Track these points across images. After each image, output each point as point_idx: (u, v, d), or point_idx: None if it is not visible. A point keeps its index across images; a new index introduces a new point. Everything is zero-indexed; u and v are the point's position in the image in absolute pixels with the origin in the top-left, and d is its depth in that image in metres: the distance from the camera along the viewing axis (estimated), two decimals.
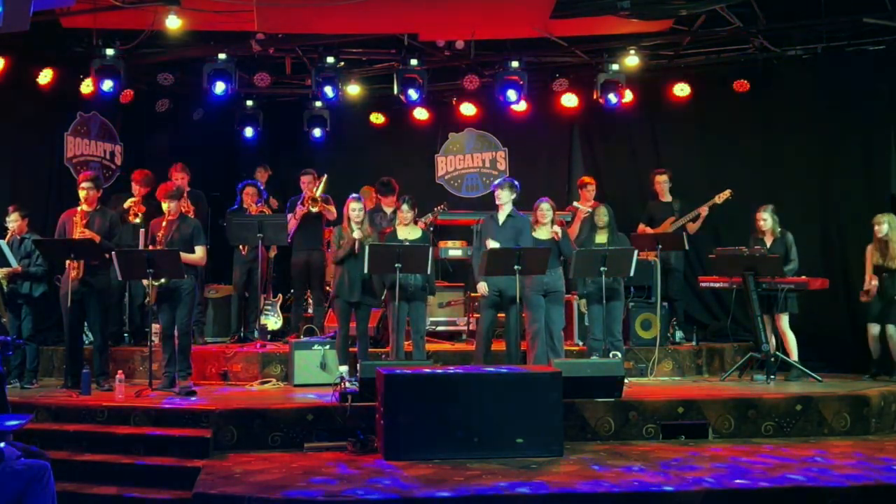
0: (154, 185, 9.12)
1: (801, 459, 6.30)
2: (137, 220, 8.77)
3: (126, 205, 8.90)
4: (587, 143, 11.58)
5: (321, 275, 9.64)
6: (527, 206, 8.43)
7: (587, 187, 10.12)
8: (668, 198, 10.04)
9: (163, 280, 7.63)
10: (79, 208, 7.93)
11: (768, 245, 8.66)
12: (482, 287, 7.98)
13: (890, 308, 8.44)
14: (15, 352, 7.74)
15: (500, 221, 8.10)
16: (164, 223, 7.86)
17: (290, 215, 9.44)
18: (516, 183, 8.21)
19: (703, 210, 9.69)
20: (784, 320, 8.49)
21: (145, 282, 7.70)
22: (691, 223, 9.81)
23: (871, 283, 8.46)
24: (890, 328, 8.49)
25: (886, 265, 8.45)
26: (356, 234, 7.93)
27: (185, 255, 7.68)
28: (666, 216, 9.93)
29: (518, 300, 7.72)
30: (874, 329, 8.57)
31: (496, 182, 8.41)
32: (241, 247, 9.48)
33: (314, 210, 9.45)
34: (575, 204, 10.07)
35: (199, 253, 7.91)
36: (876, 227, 8.53)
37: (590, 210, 9.41)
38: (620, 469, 5.99)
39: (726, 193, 9.57)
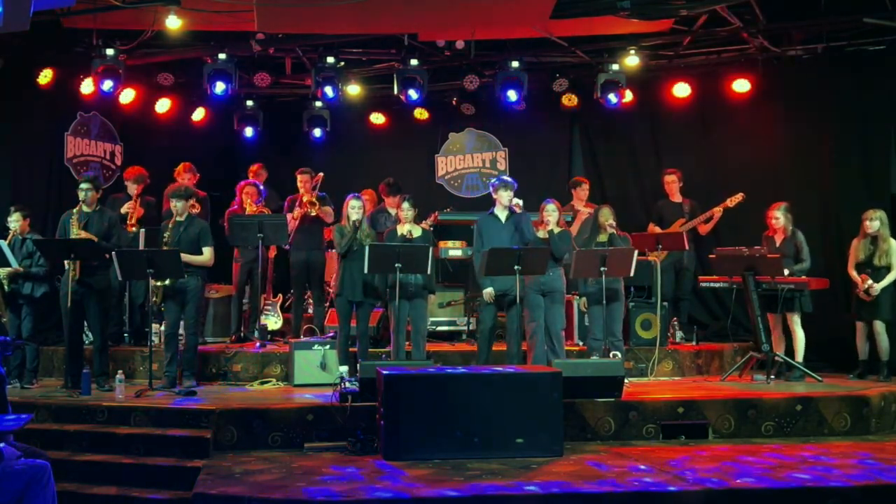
0: (147, 182, 9.11)
1: (802, 459, 6.30)
2: (135, 230, 8.74)
3: (124, 210, 8.89)
4: (587, 143, 11.59)
5: (321, 274, 9.64)
6: (528, 206, 8.42)
7: (581, 186, 10.11)
8: (678, 198, 10.04)
9: (167, 281, 7.65)
10: (75, 209, 7.93)
11: (778, 243, 8.62)
12: (488, 293, 7.98)
13: (877, 304, 8.43)
14: (14, 352, 7.74)
15: (504, 219, 8.12)
16: (171, 224, 7.90)
17: (288, 215, 9.44)
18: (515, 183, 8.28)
19: (717, 213, 9.66)
20: (796, 320, 8.47)
21: (152, 281, 7.73)
22: (703, 224, 9.81)
23: (867, 282, 8.42)
24: (877, 324, 8.49)
25: (875, 262, 8.44)
26: (354, 217, 7.94)
27: (192, 257, 7.79)
28: (676, 217, 9.92)
29: (518, 300, 7.73)
30: (862, 327, 8.57)
31: (495, 181, 8.37)
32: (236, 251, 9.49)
33: (312, 213, 9.45)
34: (575, 206, 10.06)
35: (207, 254, 7.95)
36: (867, 223, 8.49)
37: (590, 211, 9.40)
38: (620, 469, 5.99)
39: (739, 196, 9.55)
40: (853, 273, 8.55)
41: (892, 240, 8.48)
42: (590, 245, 8.39)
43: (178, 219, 7.97)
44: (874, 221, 8.46)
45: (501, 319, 8.25)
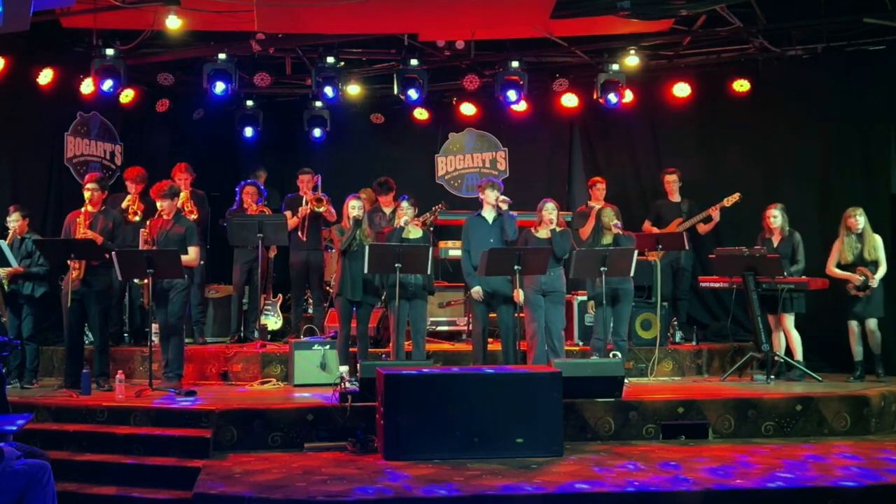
0: (148, 183, 9.12)
1: (802, 460, 6.30)
2: (137, 219, 8.78)
3: (124, 204, 8.91)
4: (587, 143, 11.58)
5: (320, 274, 9.65)
6: (528, 206, 8.43)
7: (596, 186, 10.14)
8: (677, 198, 10.05)
9: (143, 281, 7.62)
10: (83, 209, 7.91)
11: (776, 244, 8.62)
12: (476, 292, 8.00)
13: (868, 302, 8.43)
14: (12, 353, 7.72)
15: (490, 220, 8.13)
16: (157, 223, 7.89)
17: (287, 213, 9.46)
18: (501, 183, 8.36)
19: (715, 213, 9.67)
20: (789, 320, 8.48)
21: (137, 281, 7.71)
22: (702, 224, 9.81)
23: (863, 275, 8.40)
24: (870, 322, 8.48)
25: (865, 257, 8.43)
26: (355, 213, 7.93)
27: None
28: (674, 216, 9.93)
29: (513, 300, 7.74)
30: (856, 327, 8.54)
31: (483, 181, 8.43)
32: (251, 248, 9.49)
33: (320, 210, 9.46)
34: (589, 204, 10.07)
35: (192, 254, 7.91)
36: (852, 220, 8.47)
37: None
38: (620, 469, 5.99)
39: (735, 197, 9.57)
40: (836, 271, 8.52)
41: (876, 235, 8.50)
42: (594, 245, 8.39)
43: (164, 217, 7.94)
44: (860, 217, 8.46)
45: (493, 318, 8.27)
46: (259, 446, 6.70)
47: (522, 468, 6.00)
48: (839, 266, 8.54)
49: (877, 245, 8.46)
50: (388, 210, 9.49)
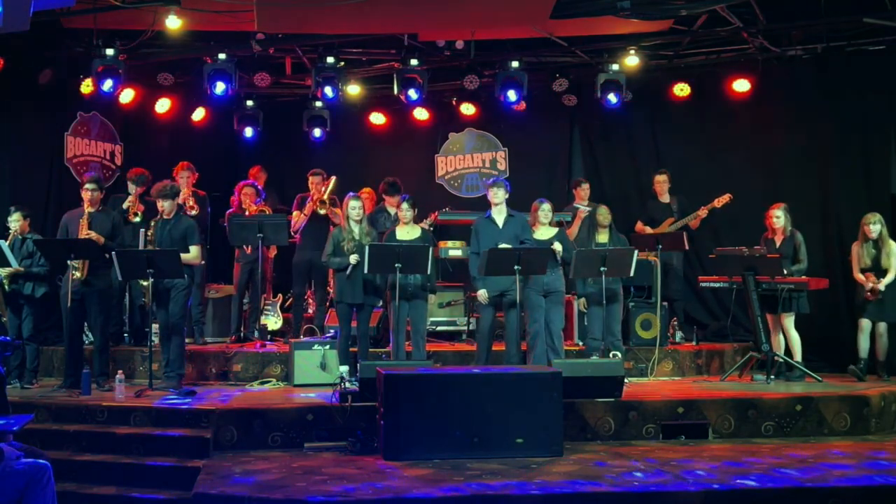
0: (149, 184, 9.12)
1: (801, 459, 6.30)
2: (137, 219, 8.79)
3: (125, 205, 8.91)
4: (587, 143, 11.58)
5: (324, 274, 9.65)
6: (526, 206, 8.43)
7: (581, 186, 10.16)
8: (666, 198, 10.06)
9: (144, 282, 7.64)
10: (86, 210, 7.91)
11: (777, 244, 8.62)
12: (482, 294, 7.99)
13: (881, 306, 8.47)
14: (14, 352, 7.73)
15: (501, 223, 8.11)
16: (157, 222, 7.89)
17: (297, 212, 9.47)
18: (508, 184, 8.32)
19: (702, 212, 9.70)
20: (789, 320, 8.48)
21: (143, 282, 7.72)
22: (691, 222, 9.82)
23: (877, 283, 8.43)
24: (881, 326, 8.53)
25: (882, 264, 8.46)
26: (352, 260, 7.89)
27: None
28: (665, 217, 9.95)
29: (518, 303, 7.74)
30: (866, 324, 8.56)
31: (491, 181, 8.41)
32: (246, 248, 9.49)
33: (322, 212, 9.47)
34: (575, 204, 10.08)
35: (194, 252, 7.90)
36: (868, 227, 8.50)
37: (588, 210, 9.41)
38: (620, 469, 5.99)
39: (726, 198, 9.59)
40: (860, 277, 8.55)
41: (891, 241, 8.52)
42: (588, 245, 8.39)
43: (164, 217, 7.94)
44: (876, 225, 8.49)
45: (501, 319, 8.26)
46: (259, 446, 6.70)
47: (522, 468, 5.99)
48: (861, 271, 8.57)
49: (891, 252, 8.48)
50: (392, 210, 9.49)
